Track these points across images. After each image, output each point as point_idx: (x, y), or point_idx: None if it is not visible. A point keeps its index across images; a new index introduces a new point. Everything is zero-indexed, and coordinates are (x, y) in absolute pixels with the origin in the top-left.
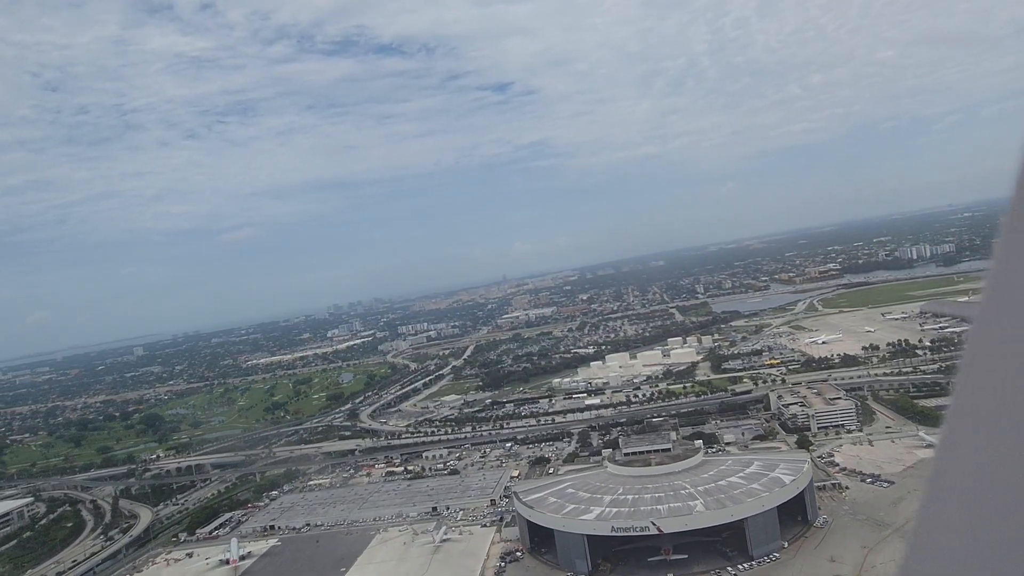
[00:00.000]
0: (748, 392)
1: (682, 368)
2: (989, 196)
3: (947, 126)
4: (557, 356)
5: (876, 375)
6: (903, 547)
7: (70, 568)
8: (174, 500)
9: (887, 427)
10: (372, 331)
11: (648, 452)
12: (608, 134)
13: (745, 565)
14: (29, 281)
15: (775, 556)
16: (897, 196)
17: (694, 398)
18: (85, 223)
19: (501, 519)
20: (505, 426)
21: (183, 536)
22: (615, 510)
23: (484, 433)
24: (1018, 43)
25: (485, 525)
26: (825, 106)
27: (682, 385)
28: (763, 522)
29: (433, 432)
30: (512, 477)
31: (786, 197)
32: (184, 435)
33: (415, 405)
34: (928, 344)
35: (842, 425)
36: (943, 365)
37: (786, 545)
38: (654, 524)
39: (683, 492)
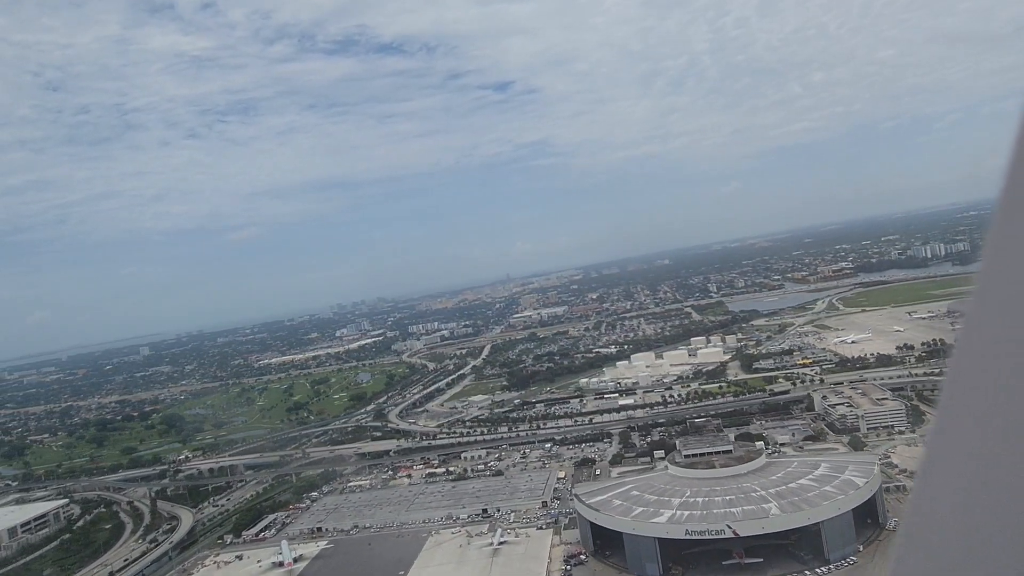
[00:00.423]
0: (786, 392)
1: (711, 368)
2: (991, 195)
3: (947, 125)
4: (579, 356)
5: (916, 375)
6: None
7: (120, 570)
8: (212, 502)
9: None
10: (381, 331)
11: (709, 454)
12: (609, 133)
13: (822, 569)
14: (29, 281)
15: (852, 560)
16: (898, 195)
17: (732, 398)
18: (85, 223)
19: (556, 521)
20: (542, 426)
21: (228, 538)
22: (687, 513)
23: (521, 434)
24: (1019, 42)
25: (541, 527)
26: (826, 105)
27: (717, 385)
28: (839, 525)
29: (468, 433)
30: (558, 478)
31: (787, 196)
32: (208, 435)
33: (442, 405)
34: None
35: (892, 426)
36: None
37: (861, 548)
38: (729, 527)
39: (754, 495)
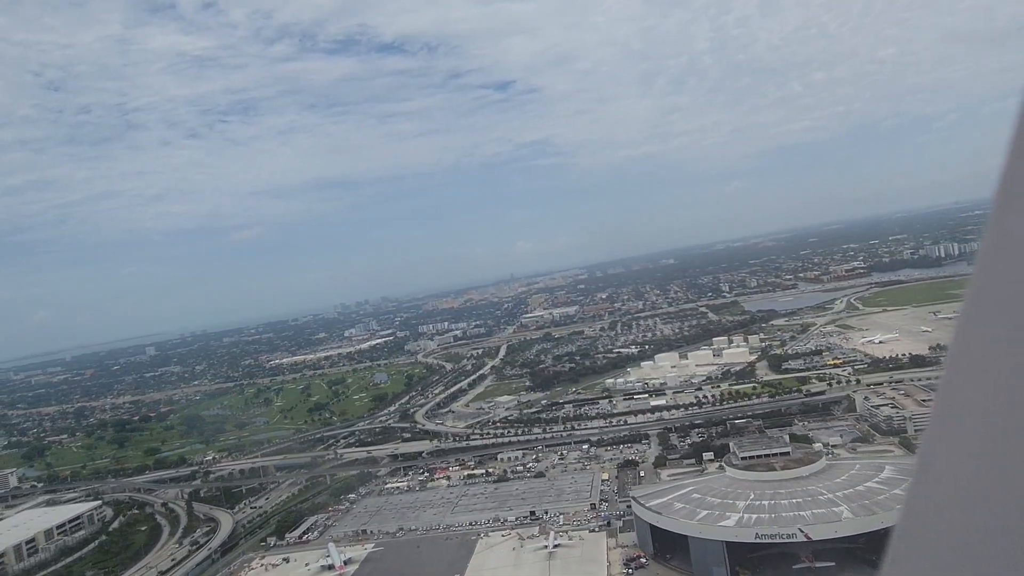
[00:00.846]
0: (821, 393)
1: (738, 368)
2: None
3: (948, 124)
4: (599, 356)
5: None
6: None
7: (166, 572)
8: (247, 503)
9: None
10: (390, 331)
11: (767, 456)
12: (609, 133)
13: None
14: (30, 281)
15: None
16: (899, 194)
17: (767, 399)
18: (86, 223)
19: (608, 523)
20: (576, 427)
21: (272, 541)
22: (754, 516)
23: (555, 435)
24: (1020, 40)
25: (593, 530)
26: (826, 104)
27: (751, 386)
28: None
29: (502, 434)
30: (602, 480)
31: (788, 196)
32: (231, 437)
33: (467, 406)
34: None
35: None
36: None
37: None
38: (802, 531)
39: (822, 498)
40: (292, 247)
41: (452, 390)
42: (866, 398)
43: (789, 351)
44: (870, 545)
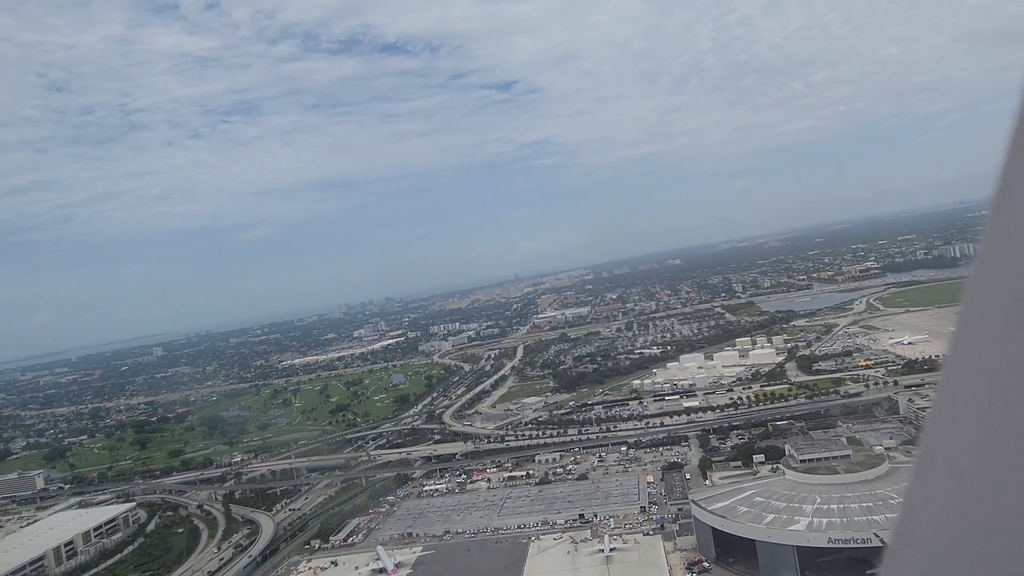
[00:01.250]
0: (858, 395)
1: (766, 369)
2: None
3: (950, 123)
4: (621, 357)
5: None
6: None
7: (214, 574)
8: (284, 505)
9: None
10: (399, 331)
11: (828, 459)
12: (611, 132)
13: None
14: (33, 281)
15: None
16: (902, 194)
17: (804, 400)
18: (89, 223)
19: (662, 527)
20: (611, 429)
21: (316, 544)
22: (825, 520)
23: (591, 436)
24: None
25: (647, 533)
26: (828, 103)
27: (786, 387)
28: None
29: (535, 435)
30: (648, 483)
31: (790, 196)
32: (254, 438)
33: (494, 407)
34: None
35: None
36: None
37: None
38: (876, 536)
39: (892, 502)
40: (295, 247)
41: (475, 391)
42: (910, 400)
43: (817, 352)
44: None
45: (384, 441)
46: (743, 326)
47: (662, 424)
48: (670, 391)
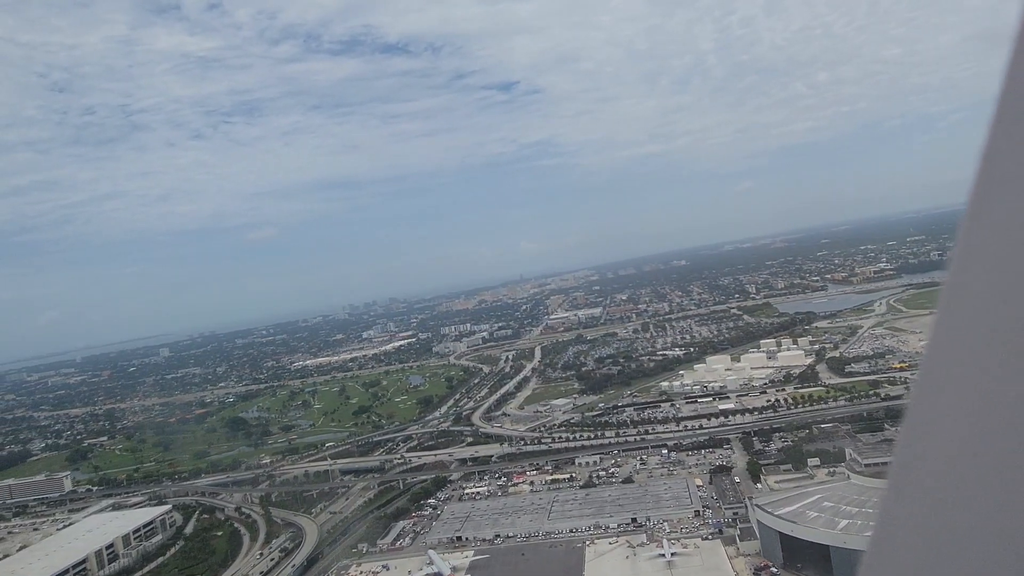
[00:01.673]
0: (899, 397)
1: (796, 371)
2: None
3: (952, 124)
4: (644, 358)
5: None
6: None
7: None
8: (323, 508)
9: None
10: (408, 332)
11: None
12: (613, 133)
13: None
14: (35, 281)
15: None
16: (905, 194)
17: (844, 403)
18: (90, 223)
19: (720, 531)
20: (649, 432)
21: (363, 547)
22: None
23: (628, 439)
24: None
25: (706, 538)
26: (830, 104)
27: (823, 389)
28: None
29: (571, 438)
30: (698, 486)
31: (793, 196)
32: (279, 439)
33: (522, 409)
34: None
35: None
36: None
37: None
38: None
39: None
40: (297, 247)
41: (499, 393)
42: None
43: (846, 354)
44: None
45: (415, 443)
46: (764, 328)
47: (700, 427)
48: (701, 393)
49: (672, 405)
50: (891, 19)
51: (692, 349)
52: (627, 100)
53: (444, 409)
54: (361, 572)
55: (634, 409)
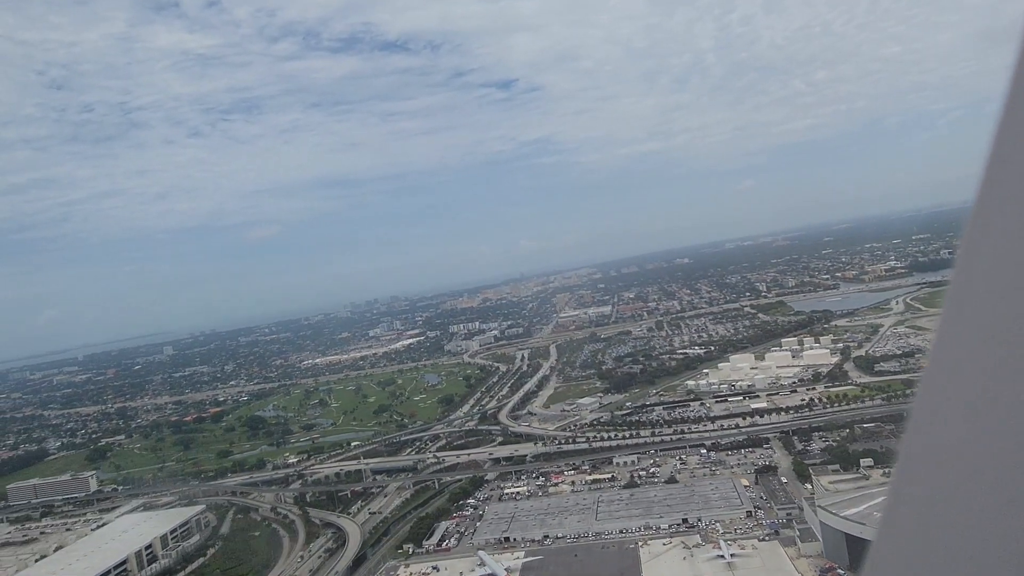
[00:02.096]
0: None
1: (823, 370)
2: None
3: (952, 122)
4: (664, 357)
5: None
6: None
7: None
8: (360, 508)
9: None
10: (416, 330)
11: None
12: (612, 131)
13: None
14: (33, 280)
15: None
16: (905, 192)
17: (881, 402)
18: (88, 221)
19: (776, 532)
20: (686, 431)
21: (409, 548)
22: None
23: (665, 438)
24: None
25: (762, 539)
26: (829, 102)
27: (857, 388)
28: None
29: (605, 437)
30: (745, 487)
31: (792, 194)
32: (302, 438)
33: (548, 408)
34: None
35: None
36: None
37: None
38: None
39: None
40: (296, 245)
41: (520, 392)
42: None
43: (872, 353)
44: None
45: (443, 442)
46: (781, 326)
47: (736, 426)
48: (730, 392)
49: (702, 404)
50: (890, 17)
51: (712, 348)
52: (626, 98)
53: (467, 408)
54: (410, 573)
55: (663, 408)
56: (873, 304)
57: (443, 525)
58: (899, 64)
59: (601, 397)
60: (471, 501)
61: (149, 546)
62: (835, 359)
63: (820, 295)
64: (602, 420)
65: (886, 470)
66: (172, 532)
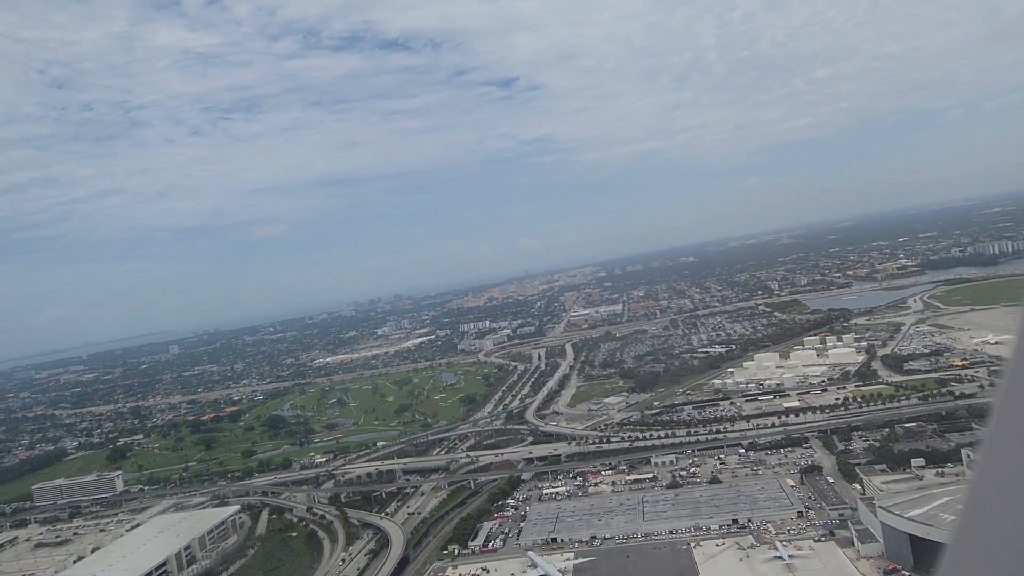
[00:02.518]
0: (973, 396)
1: (850, 369)
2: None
3: (952, 120)
4: (685, 356)
5: None
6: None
7: None
8: (397, 508)
9: None
10: (426, 329)
11: None
12: (612, 130)
13: None
14: (34, 278)
15: None
16: (906, 191)
17: (916, 401)
18: (88, 220)
19: (831, 533)
20: (721, 430)
21: (454, 549)
22: None
23: (700, 438)
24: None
25: (818, 540)
26: (830, 100)
27: (892, 388)
28: None
29: (640, 437)
30: (791, 486)
31: (793, 192)
32: (325, 438)
33: (574, 407)
34: None
35: None
36: None
37: None
38: None
39: None
40: (297, 244)
41: (543, 392)
42: None
43: (898, 351)
44: None
45: (472, 442)
46: (800, 324)
47: (772, 425)
48: (758, 391)
49: (731, 403)
50: (891, 15)
51: (733, 347)
52: (627, 97)
53: (490, 408)
54: (458, 575)
55: (693, 407)
56: (890, 302)
57: (486, 526)
58: (900, 62)
59: (627, 396)
60: (510, 501)
61: (188, 547)
62: (861, 358)
63: (834, 293)
64: (632, 420)
65: (939, 470)
66: (209, 533)
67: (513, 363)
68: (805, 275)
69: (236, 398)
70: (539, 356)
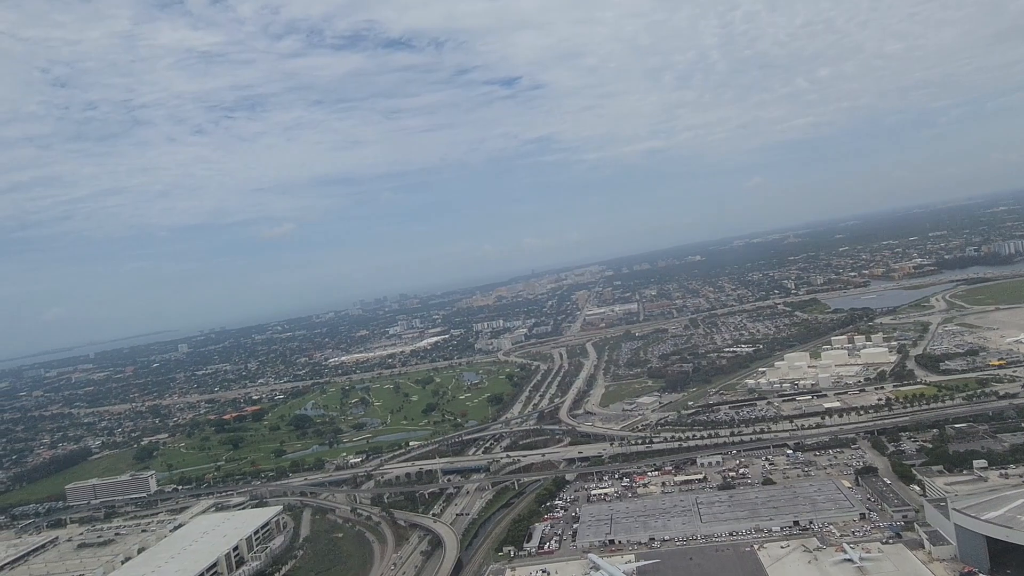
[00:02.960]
0: (1017, 396)
1: (886, 369)
2: (1009, 188)
3: (953, 119)
4: (712, 355)
5: None
6: None
7: None
8: (443, 509)
9: None
10: (439, 328)
11: None
12: (615, 128)
13: None
14: (37, 277)
15: None
16: (909, 189)
17: (962, 401)
18: (91, 219)
19: (899, 535)
20: (766, 430)
21: (510, 551)
22: None
23: (745, 438)
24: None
25: (886, 542)
26: (832, 100)
27: (934, 388)
28: None
29: (683, 437)
30: (848, 487)
31: (796, 191)
32: (354, 437)
33: (607, 407)
34: None
35: None
36: None
37: None
38: None
39: None
40: (300, 243)
41: (571, 391)
42: None
43: (931, 351)
44: None
45: (508, 442)
46: (824, 324)
47: (817, 425)
48: (794, 391)
49: (768, 403)
50: (893, 15)
51: (759, 346)
52: (630, 96)
53: (519, 407)
54: None
55: (729, 407)
56: (912, 302)
57: (539, 527)
58: (902, 61)
59: (659, 396)
60: (558, 503)
61: (236, 548)
62: (895, 357)
63: (853, 293)
64: (668, 420)
65: (1003, 472)
66: (255, 534)
67: (534, 362)
68: (819, 274)
69: (255, 397)
70: (560, 355)
